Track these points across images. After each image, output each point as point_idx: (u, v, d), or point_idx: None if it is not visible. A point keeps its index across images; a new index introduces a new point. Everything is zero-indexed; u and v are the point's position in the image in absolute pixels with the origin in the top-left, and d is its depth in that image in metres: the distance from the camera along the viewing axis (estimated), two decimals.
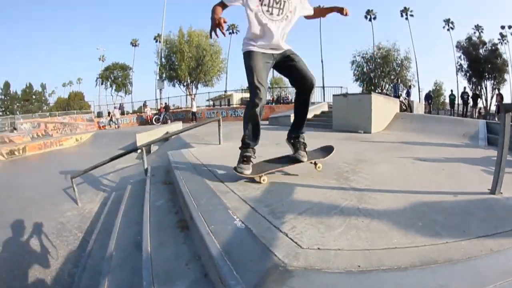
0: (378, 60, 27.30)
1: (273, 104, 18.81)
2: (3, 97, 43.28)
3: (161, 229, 2.01)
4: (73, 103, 39.82)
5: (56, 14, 78.97)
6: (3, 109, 41.54)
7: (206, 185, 2.31)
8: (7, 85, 43.41)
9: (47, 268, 3.52)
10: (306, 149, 2.46)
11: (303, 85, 2.28)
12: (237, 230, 1.45)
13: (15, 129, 21.31)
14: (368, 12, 36.63)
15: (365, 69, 28.45)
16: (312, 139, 3.97)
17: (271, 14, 2.07)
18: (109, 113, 21.85)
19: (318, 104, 12.85)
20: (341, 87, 19.62)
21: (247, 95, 3.24)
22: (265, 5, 2.05)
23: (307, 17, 2.40)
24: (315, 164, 2.49)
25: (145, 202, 2.62)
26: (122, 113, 23.47)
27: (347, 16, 2.31)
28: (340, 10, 2.31)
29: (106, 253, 2.25)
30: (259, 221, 1.55)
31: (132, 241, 2.29)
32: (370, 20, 36.56)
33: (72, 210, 5.49)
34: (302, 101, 2.37)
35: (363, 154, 3.62)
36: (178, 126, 13.65)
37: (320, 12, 2.46)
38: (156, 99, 25.77)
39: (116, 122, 19.95)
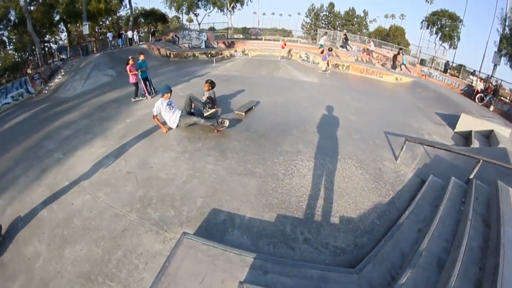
0: None
1: None
2: (327, 13, 53.37)
3: (466, 276, 2.67)
4: (393, 36, 43.29)
5: None
6: (326, 23, 51.62)
7: None
8: (332, 4, 53.60)
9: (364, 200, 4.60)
10: None
11: None
12: None
13: (341, 46, 23.37)
14: None
15: None
16: None
17: None
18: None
19: None
20: None
21: None
22: None
23: None
24: None
25: (464, 236, 3.19)
26: (445, 71, 22.34)
27: None
28: None
29: (411, 237, 3.64)
30: None
31: (436, 255, 3.12)
32: None
33: (389, 162, 6.00)
34: None
35: None
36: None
37: None
38: (481, 73, 22.02)
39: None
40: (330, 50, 17.06)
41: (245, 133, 6.45)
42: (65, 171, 5.72)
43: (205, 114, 6.77)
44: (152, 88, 10.47)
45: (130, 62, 9.93)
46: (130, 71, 9.87)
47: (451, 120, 10.00)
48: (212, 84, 7.83)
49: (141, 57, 10.25)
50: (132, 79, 9.97)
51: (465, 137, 9.15)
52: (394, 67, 19.30)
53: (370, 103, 11.56)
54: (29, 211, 4.84)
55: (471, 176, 4.91)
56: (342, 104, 9.82)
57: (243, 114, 7.43)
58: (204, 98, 7.67)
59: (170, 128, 6.63)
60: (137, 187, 4.68)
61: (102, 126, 7.65)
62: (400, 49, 22.37)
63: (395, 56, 19.78)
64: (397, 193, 4.98)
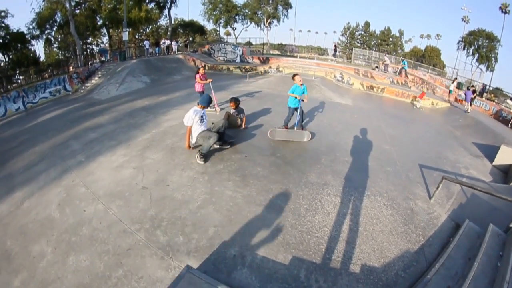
0: None
1: None
2: (363, 32, 55.08)
3: None
4: (428, 57, 43.30)
5: None
6: (362, 42, 53.37)
7: None
8: (367, 23, 54.91)
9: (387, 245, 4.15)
10: None
11: None
12: None
13: (377, 67, 23.07)
14: None
15: None
16: None
17: None
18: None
19: None
20: None
21: None
22: None
23: None
24: None
25: None
26: (480, 94, 21.03)
27: None
28: None
29: None
30: None
31: None
32: None
33: (422, 202, 5.58)
34: None
35: None
36: None
37: None
38: None
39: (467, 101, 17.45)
40: (468, 89, 15.77)
41: (270, 157, 6.19)
42: (84, 176, 5.79)
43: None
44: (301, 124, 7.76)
45: (201, 71, 9.46)
46: (200, 79, 9.30)
47: (489, 152, 9.48)
48: (237, 102, 7.77)
49: (298, 80, 7.08)
50: (198, 88, 9.48)
51: (504, 172, 8.64)
52: (471, 104, 17.92)
53: (404, 130, 11.14)
54: (44, 209, 4.95)
55: (511, 224, 4.47)
56: (375, 130, 9.44)
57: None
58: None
59: (193, 145, 6.18)
60: (150, 205, 4.55)
61: (127, 133, 7.75)
62: (473, 86, 20.69)
63: (472, 99, 18.24)
64: (428, 240, 4.58)
